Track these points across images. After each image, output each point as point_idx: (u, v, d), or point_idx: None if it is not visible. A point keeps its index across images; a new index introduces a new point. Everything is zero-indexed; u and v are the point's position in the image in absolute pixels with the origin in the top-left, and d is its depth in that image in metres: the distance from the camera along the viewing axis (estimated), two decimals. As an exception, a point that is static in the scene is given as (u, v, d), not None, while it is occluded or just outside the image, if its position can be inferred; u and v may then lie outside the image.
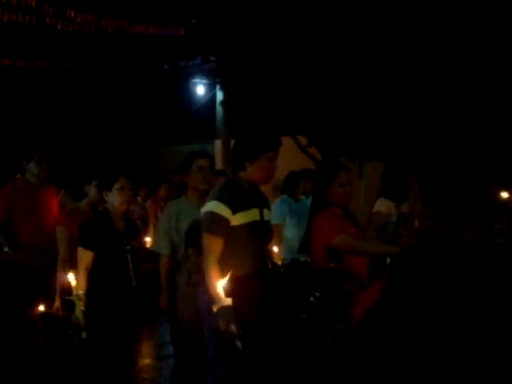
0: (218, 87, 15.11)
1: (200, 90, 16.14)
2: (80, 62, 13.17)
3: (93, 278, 4.33)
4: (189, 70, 15.06)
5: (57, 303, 4.92)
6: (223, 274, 3.56)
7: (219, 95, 15.08)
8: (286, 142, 12.79)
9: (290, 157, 13.11)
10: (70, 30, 9.78)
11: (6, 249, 5.83)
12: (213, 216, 3.77)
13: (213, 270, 3.66)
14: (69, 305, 4.39)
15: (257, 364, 3.85)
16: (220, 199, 3.80)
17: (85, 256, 4.35)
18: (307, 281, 4.01)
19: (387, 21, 9.25)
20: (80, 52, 12.77)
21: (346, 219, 4.33)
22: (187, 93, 16.33)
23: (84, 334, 4.04)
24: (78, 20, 9.57)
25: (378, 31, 9.33)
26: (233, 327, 3.45)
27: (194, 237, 4.26)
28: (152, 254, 5.06)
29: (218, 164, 17.51)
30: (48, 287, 5.18)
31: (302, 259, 4.35)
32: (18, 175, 6.05)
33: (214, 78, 14.95)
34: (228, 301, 3.46)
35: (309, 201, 7.26)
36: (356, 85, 9.87)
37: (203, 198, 4.38)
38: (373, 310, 3.55)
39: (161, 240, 4.69)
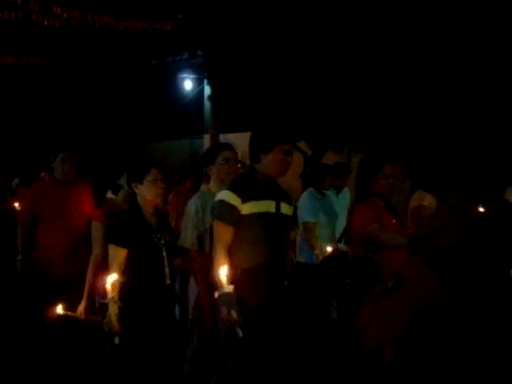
0: (205, 82, 15.11)
1: (187, 84, 16.13)
2: (67, 58, 13.11)
3: (126, 277, 3.95)
4: (176, 64, 15.05)
5: (81, 306, 4.51)
6: (231, 262, 3.60)
7: (207, 90, 15.08)
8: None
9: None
10: (56, 26, 9.74)
11: (18, 257, 5.50)
12: (222, 204, 3.83)
13: (219, 257, 3.71)
14: (101, 308, 4.16)
15: (265, 357, 3.81)
16: (231, 188, 3.87)
17: (117, 254, 4.00)
18: (342, 269, 4.02)
19: (379, 15, 9.29)
20: (67, 48, 12.72)
21: (387, 211, 4.31)
22: (175, 88, 16.30)
23: (117, 339, 3.75)
24: (65, 16, 9.54)
25: (369, 25, 9.36)
26: (234, 314, 3.45)
27: None
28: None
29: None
30: (76, 292, 4.68)
31: (341, 249, 4.34)
32: (44, 173, 5.77)
33: (202, 72, 14.95)
34: (230, 288, 3.46)
35: (344, 193, 7.23)
36: (344, 78, 9.90)
37: None
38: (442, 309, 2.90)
39: (189, 235, 4.53)
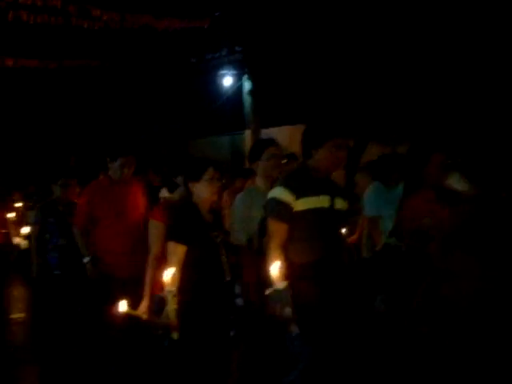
0: (244, 77, 15.11)
1: (227, 81, 16.14)
2: (108, 61, 13.27)
3: (186, 274, 3.95)
4: (215, 62, 15.09)
5: (143, 305, 4.46)
6: (285, 258, 3.57)
7: (246, 85, 15.08)
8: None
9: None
10: (96, 29, 9.87)
11: (85, 260, 5.50)
12: (275, 201, 3.81)
13: (273, 255, 3.68)
14: (159, 302, 4.09)
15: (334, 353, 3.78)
16: (284, 185, 3.84)
17: (177, 250, 4.02)
18: (396, 264, 3.98)
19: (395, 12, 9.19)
20: (107, 50, 12.87)
21: (438, 202, 4.16)
22: (214, 85, 16.35)
23: (176, 335, 3.74)
24: (104, 18, 9.65)
25: (385, 23, 9.27)
26: (287, 311, 3.40)
27: (266, 226, 4.24)
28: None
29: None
30: (137, 293, 4.59)
31: (392, 243, 4.29)
32: (101, 174, 5.69)
33: (241, 68, 14.96)
34: (283, 284, 3.39)
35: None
36: (385, 69, 9.80)
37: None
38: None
39: (239, 232, 4.56)
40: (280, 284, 3.38)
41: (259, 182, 4.66)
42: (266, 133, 14.13)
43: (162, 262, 4.26)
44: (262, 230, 4.20)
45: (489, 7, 8.67)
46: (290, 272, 3.53)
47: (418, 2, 9.29)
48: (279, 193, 3.81)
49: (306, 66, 10.86)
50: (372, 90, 10.21)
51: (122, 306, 3.85)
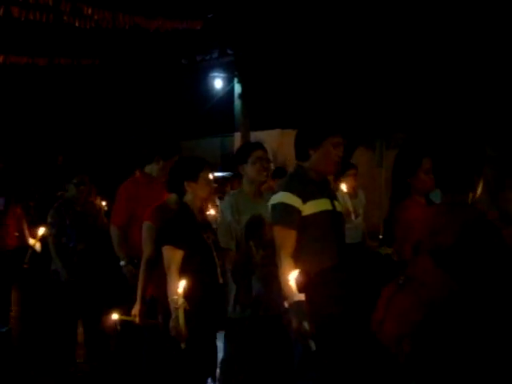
0: (235, 80, 15.12)
1: (218, 83, 16.17)
2: (98, 59, 13.23)
3: (183, 278, 3.78)
4: (206, 63, 15.09)
5: (135, 309, 4.34)
6: (298, 268, 3.32)
7: (237, 88, 15.09)
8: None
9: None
10: (87, 28, 9.83)
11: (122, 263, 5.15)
12: (283, 206, 3.59)
13: (286, 265, 3.46)
14: (151, 309, 4.17)
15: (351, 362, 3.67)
16: (288, 189, 3.64)
17: (175, 255, 3.88)
18: (388, 273, 3.87)
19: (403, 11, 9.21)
20: (98, 49, 12.84)
21: (429, 208, 4.02)
22: (205, 87, 16.37)
23: (183, 344, 3.64)
24: (96, 17, 9.61)
25: (375, 28, 9.29)
26: (306, 325, 3.21)
27: (254, 229, 4.19)
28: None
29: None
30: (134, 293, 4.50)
31: (383, 252, 4.21)
32: (137, 171, 5.37)
33: (232, 71, 14.97)
34: (300, 296, 3.21)
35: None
36: (372, 72, 9.83)
37: (260, 192, 4.40)
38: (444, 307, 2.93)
39: (224, 235, 4.44)
40: (298, 296, 3.21)
41: (245, 185, 4.63)
42: (256, 136, 14.13)
43: (154, 265, 4.23)
44: (249, 234, 4.20)
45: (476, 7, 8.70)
46: (303, 283, 3.30)
47: (404, 5, 9.30)
48: (285, 197, 3.60)
49: (296, 70, 10.87)
50: (361, 95, 10.23)
51: (114, 314, 3.90)
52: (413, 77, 9.56)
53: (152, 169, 5.25)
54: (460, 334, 2.77)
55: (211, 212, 4.61)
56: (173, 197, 4.45)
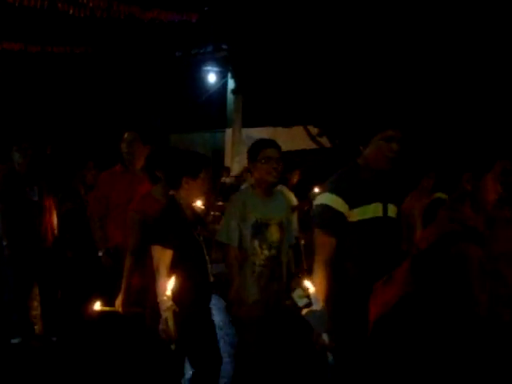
0: (229, 75, 15.08)
1: (211, 77, 16.12)
2: (92, 48, 13.16)
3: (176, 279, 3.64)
4: (200, 57, 15.05)
5: (118, 300, 4.26)
6: (333, 277, 3.13)
7: (230, 83, 15.05)
8: (297, 131, 12.80)
9: (300, 146, 13.08)
10: (81, 16, 9.74)
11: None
12: (326, 209, 3.27)
13: (319, 272, 3.22)
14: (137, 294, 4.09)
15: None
16: (334, 191, 3.29)
17: (164, 255, 3.75)
18: None
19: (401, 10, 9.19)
20: (92, 37, 12.76)
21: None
22: (198, 80, 16.32)
23: (173, 346, 3.53)
24: (90, 5, 9.52)
25: (389, 20, 9.27)
26: (325, 337, 2.99)
27: (259, 229, 4.10)
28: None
29: (228, 153, 17.53)
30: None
31: None
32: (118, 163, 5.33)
33: (226, 66, 14.92)
34: (320, 305, 2.97)
35: None
36: (366, 72, 9.80)
37: (269, 191, 4.25)
38: (397, 307, 2.90)
39: (229, 231, 4.29)
40: (317, 305, 3.00)
41: (255, 184, 4.49)
42: (247, 132, 14.10)
43: (140, 256, 4.16)
44: (254, 233, 4.10)
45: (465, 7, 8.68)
46: (337, 294, 3.15)
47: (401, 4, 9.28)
48: (331, 200, 3.27)
49: (290, 69, 10.83)
50: (357, 93, 10.21)
51: (96, 304, 3.77)
52: (409, 75, 9.55)
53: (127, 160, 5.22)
54: (406, 337, 2.75)
55: (198, 203, 4.50)
56: (158, 188, 4.37)
